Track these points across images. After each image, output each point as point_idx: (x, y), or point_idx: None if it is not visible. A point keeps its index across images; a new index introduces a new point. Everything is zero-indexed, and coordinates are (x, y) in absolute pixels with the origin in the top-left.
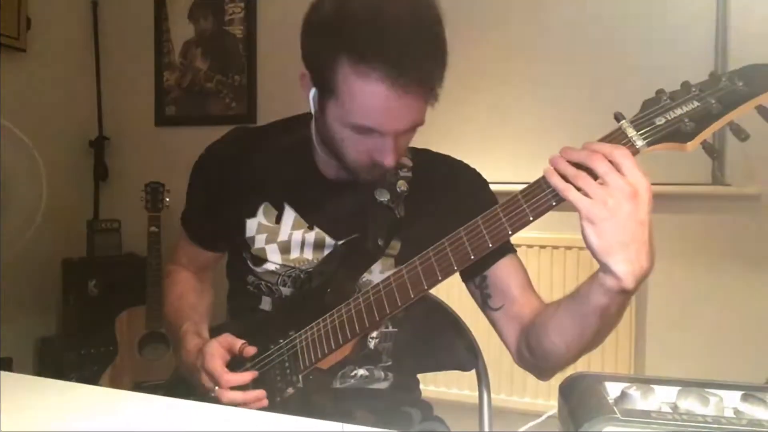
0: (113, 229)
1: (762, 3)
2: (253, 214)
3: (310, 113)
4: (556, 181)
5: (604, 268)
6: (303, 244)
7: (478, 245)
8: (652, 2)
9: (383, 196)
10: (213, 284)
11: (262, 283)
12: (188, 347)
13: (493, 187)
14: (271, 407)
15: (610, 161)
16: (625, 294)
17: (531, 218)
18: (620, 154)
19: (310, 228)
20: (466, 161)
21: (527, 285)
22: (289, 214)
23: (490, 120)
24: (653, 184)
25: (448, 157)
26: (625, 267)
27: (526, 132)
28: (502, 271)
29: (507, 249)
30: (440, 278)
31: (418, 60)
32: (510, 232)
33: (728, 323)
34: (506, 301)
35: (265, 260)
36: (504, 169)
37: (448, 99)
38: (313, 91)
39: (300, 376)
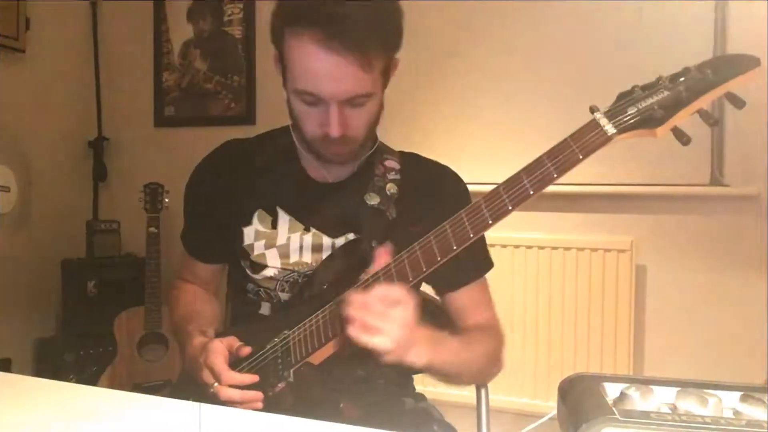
0: (112, 230)
1: (760, 6)
2: (249, 222)
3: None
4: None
5: None
6: (301, 246)
7: (461, 236)
8: (654, 7)
9: (373, 200)
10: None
11: (261, 289)
12: (193, 343)
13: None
14: (264, 402)
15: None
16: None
17: (510, 207)
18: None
19: (307, 230)
20: (469, 160)
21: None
22: (284, 218)
23: (493, 119)
24: (653, 184)
25: (434, 161)
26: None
27: (529, 130)
28: (461, 299)
29: (474, 276)
30: (425, 269)
31: (347, 23)
32: (490, 222)
33: (727, 324)
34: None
35: (264, 266)
36: (502, 171)
37: (452, 99)
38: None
39: (291, 371)
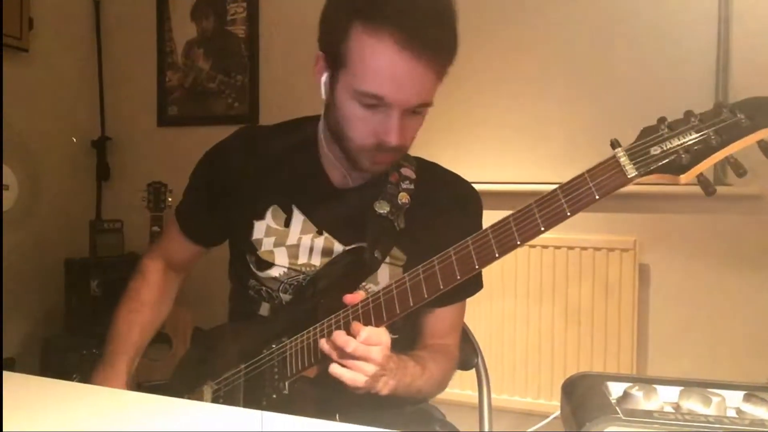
0: (115, 229)
1: (763, 7)
2: (262, 217)
3: (318, 115)
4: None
5: None
6: (312, 249)
7: (465, 266)
8: (657, 5)
9: (383, 209)
10: (211, 284)
11: (263, 288)
12: (104, 373)
13: (498, 187)
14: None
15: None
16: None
17: (519, 242)
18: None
19: (319, 233)
20: (470, 162)
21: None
22: (298, 218)
23: (493, 123)
24: (657, 183)
25: (452, 174)
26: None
27: (528, 135)
28: (437, 318)
29: (465, 295)
30: (426, 296)
31: (431, 26)
32: (497, 255)
33: (730, 323)
34: (424, 339)
35: (271, 264)
36: (506, 170)
37: (452, 100)
38: (325, 76)
39: (287, 383)
